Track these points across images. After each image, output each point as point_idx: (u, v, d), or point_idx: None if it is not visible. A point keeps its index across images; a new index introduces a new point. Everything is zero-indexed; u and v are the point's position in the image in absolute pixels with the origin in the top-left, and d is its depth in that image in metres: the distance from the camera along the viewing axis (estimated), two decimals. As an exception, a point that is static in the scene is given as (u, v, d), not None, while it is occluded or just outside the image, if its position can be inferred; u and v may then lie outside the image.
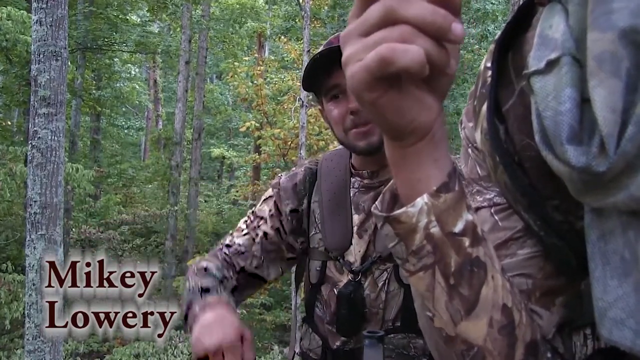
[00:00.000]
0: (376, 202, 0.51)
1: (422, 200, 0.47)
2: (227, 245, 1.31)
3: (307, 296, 1.33)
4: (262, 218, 1.31)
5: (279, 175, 1.37)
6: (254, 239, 1.29)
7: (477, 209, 0.59)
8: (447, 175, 0.47)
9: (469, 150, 0.62)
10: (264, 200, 1.34)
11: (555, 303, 0.55)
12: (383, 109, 0.43)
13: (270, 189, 1.35)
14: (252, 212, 1.35)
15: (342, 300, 1.19)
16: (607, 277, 0.44)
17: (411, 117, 0.44)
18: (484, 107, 0.57)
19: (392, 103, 0.43)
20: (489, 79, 0.57)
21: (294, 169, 1.38)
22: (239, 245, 1.30)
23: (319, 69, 1.18)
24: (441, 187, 0.47)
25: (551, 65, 0.44)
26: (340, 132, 1.20)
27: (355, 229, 1.22)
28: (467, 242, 0.48)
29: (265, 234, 1.29)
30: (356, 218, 1.22)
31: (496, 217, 0.58)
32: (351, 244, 1.21)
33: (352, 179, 1.27)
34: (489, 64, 0.58)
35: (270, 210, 1.31)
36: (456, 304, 0.49)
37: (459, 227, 0.48)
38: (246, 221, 1.33)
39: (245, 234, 1.31)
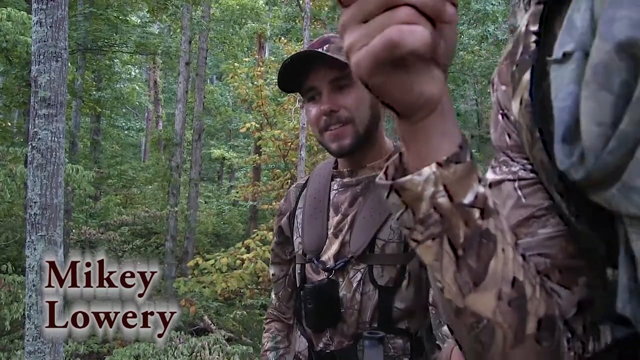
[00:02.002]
0: (380, 174, 0.51)
1: (430, 169, 0.46)
2: (273, 306, 1.50)
3: (295, 300, 1.37)
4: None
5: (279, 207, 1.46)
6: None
7: (501, 181, 0.58)
8: (458, 146, 0.47)
9: (499, 116, 0.59)
10: (273, 239, 1.46)
11: (578, 283, 0.54)
12: (391, 90, 0.43)
13: (275, 222, 1.46)
14: (271, 249, 1.49)
15: (307, 294, 1.21)
16: None
17: (419, 92, 0.44)
18: (526, 76, 0.54)
19: (400, 83, 0.43)
20: (533, 45, 0.54)
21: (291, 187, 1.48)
22: (276, 297, 1.48)
23: (296, 71, 1.20)
24: (451, 158, 0.46)
25: (566, 57, 0.43)
26: (317, 133, 1.23)
27: (331, 229, 1.23)
28: (477, 213, 0.47)
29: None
30: (334, 219, 1.24)
31: (520, 193, 0.56)
32: (325, 244, 1.23)
33: (333, 182, 1.29)
34: (532, 27, 0.54)
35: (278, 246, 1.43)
36: (464, 275, 0.48)
37: (468, 199, 0.47)
38: (274, 274, 1.46)
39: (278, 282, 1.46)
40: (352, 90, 1.19)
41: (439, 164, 0.46)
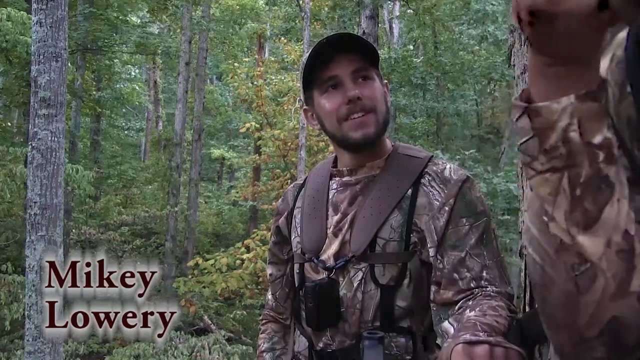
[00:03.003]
0: (515, 95, 0.51)
1: (569, 99, 0.45)
2: (269, 307, 1.47)
3: (294, 299, 1.37)
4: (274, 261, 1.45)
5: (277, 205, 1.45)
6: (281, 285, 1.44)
7: None
8: (597, 85, 0.46)
9: None
10: (270, 238, 1.44)
11: None
12: (555, 37, 0.43)
13: (272, 222, 1.45)
14: (269, 249, 1.47)
15: (308, 293, 1.20)
16: None
17: (577, 50, 0.43)
18: (622, 34, 0.54)
19: (566, 34, 0.42)
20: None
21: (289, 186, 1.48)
22: (272, 298, 1.45)
23: (317, 63, 1.18)
24: (589, 93, 0.45)
25: None
26: (334, 124, 1.20)
27: (331, 229, 1.22)
28: (601, 156, 0.46)
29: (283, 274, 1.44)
30: (333, 218, 1.23)
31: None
32: (325, 243, 1.22)
33: (331, 181, 1.28)
34: None
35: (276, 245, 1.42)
36: (577, 216, 0.47)
37: (597, 139, 0.46)
38: (271, 274, 1.44)
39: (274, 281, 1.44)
40: (372, 82, 1.19)
41: (578, 97, 0.45)
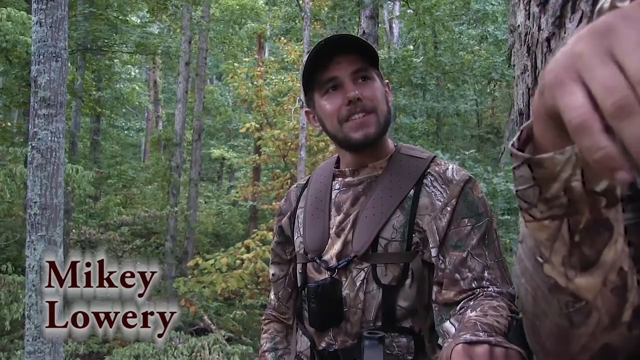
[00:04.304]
0: (513, 139, 0.48)
1: (573, 150, 0.43)
2: (271, 307, 1.47)
3: (296, 299, 1.38)
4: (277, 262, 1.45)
5: (279, 205, 1.46)
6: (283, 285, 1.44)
7: None
8: None
9: None
10: (273, 238, 1.44)
11: None
12: (546, 125, 0.42)
13: (275, 222, 1.45)
14: (271, 249, 1.47)
15: (310, 293, 1.20)
16: None
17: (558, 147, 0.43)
18: None
19: (554, 134, 0.42)
20: None
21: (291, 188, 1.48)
22: (274, 298, 1.46)
23: (316, 65, 1.18)
24: None
25: None
26: (335, 125, 1.20)
27: (333, 229, 1.22)
28: (603, 202, 0.45)
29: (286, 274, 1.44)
30: (336, 218, 1.23)
31: None
32: (327, 243, 1.22)
33: (334, 181, 1.29)
34: None
35: (278, 245, 1.42)
36: (574, 260, 0.46)
37: (601, 186, 0.44)
38: (274, 274, 1.44)
39: (277, 281, 1.44)
40: (372, 82, 1.19)
41: None
